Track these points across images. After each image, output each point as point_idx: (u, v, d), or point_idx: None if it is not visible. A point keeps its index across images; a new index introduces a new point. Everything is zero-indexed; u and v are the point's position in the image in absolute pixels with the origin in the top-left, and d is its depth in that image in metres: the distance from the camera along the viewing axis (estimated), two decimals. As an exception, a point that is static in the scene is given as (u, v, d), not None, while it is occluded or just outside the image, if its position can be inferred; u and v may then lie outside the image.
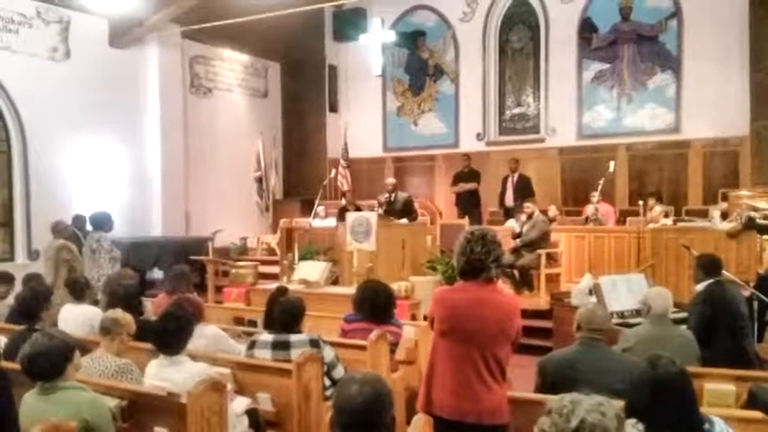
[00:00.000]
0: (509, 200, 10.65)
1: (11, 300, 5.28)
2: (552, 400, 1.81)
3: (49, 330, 3.17)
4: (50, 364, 2.84)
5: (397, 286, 6.24)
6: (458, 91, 12.80)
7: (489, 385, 2.89)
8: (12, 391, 3.02)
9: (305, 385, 3.61)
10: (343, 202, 10.91)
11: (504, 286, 8.66)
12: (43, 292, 4.53)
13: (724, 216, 7.71)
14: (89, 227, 7.31)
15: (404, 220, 8.83)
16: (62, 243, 7.09)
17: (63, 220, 7.73)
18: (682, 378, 2.31)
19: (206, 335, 4.15)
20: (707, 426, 2.29)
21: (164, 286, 5.37)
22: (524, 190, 10.37)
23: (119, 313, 3.82)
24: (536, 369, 3.41)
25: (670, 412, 2.23)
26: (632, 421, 2.22)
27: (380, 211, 8.93)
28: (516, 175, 10.78)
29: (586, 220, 9.55)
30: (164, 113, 11.02)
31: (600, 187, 9.30)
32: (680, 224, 8.25)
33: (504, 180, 10.93)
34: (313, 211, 10.12)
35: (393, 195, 9.35)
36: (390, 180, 9.95)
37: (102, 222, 6.91)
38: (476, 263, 2.91)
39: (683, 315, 4.75)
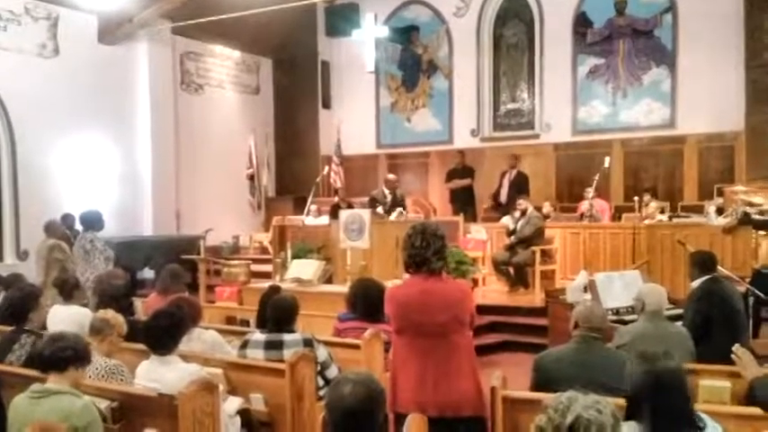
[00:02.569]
0: (503, 196, 10.57)
1: (-1, 300, 5.21)
2: (549, 397, 1.80)
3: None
4: (59, 357, 2.84)
5: (392, 284, 6.18)
6: (452, 87, 12.75)
7: (452, 375, 2.94)
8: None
9: (298, 385, 3.58)
10: (336, 199, 10.86)
11: (499, 284, 8.69)
12: (33, 292, 4.46)
13: (719, 212, 7.72)
14: (78, 226, 7.22)
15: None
16: (54, 242, 7.00)
17: (56, 219, 7.65)
18: (680, 373, 2.31)
19: (203, 340, 4.09)
20: (700, 423, 2.29)
21: (155, 286, 5.30)
22: (520, 187, 10.26)
23: (109, 314, 3.78)
24: (532, 366, 3.37)
25: (673, 409, 2.22)
26: (631, 423, 2.20)
27: (381, 209, 8.86)
28: (514, 172, 10.67)
29: (581, 216, 9.53)
30: (154, 110, 10.94)
31: (595, 183, 9.29)
32: (675, 220, 8.24)
33: (502, 176, 10.83)
34: (306, 209, 10.06)
35: (395, 193, 9.31)
36: (392, 176, 9.89)
37: (93, 222, 6.81)
38: (416, 257, 3.02)
39: (679, 311, 4.74)
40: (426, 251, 2.99)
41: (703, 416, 2.33)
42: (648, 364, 2.32)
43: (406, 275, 3.18)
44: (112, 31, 10.52)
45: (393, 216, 8.70)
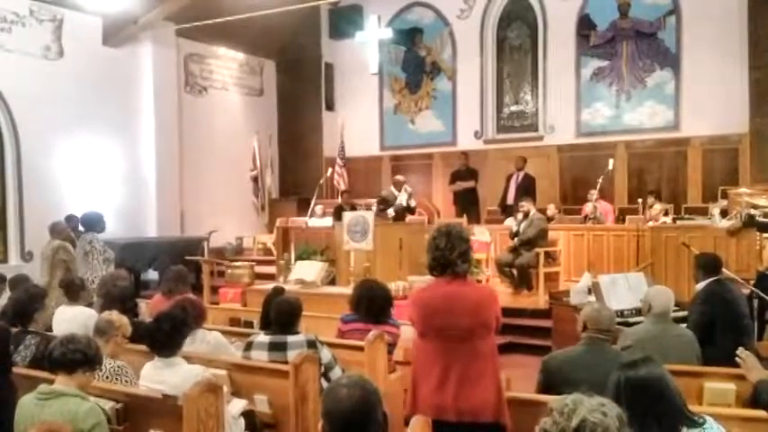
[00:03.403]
0: (510, 198, 10.52)
1: (2, 301, 5.23)
2: (554, 399, 1.80)
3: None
4: (69, 359, 2.84)
5: (395, 286, 6.20)
6: (455, 89, 12.75)
7: (473, 381, 2.89)
8: (14, 396, 3.00)
9: (302, 387, 3.58)
10: (339, 201, 10.86)
11: (502, 286, 8.67)
12: (38, 293, 4.47)
13: (724, 214, 7.70)
14: (81, 227, 7.23)
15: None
16: (59, 243, 7.00)
17: (61, 220, 7.67)
18: (656, 378, 2.28)
19: (207, 341, 4.10)
20: (700, 420, 2.29)
21: (160, 287, 5.30)
22: (527, 189, 10.20)
23: (114, 315, 3.79)
24: (539, 368, 3.38)
25: (650, 413, 2.21)
26: None
27: (391, 210, 8.89)
28: (521, 174, 10.62)
29: (585, 218, 9.52)
30: (158, 112, 10.97)
31: (599, 185, 9.27)
32: (679, 222, 8.22)
33: (509, 178, 10.80)
34: (309, 211, 10.07)
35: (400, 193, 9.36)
36: (401, 177, 9.91)
37: (94, 223, 6.81)
38: (441, 258, 2.97)
39: (683, 314, 4.73)
40: (451, 253, 2.94)
41: (708, 418, 2.32)
42: (622, 372, 2.32)
43: (430, 278, 3.15)
44: (117, 33, 10.56)
45: (401, 199, 8.77)
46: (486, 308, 2.98)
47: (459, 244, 2.96)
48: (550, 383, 3.25)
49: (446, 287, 2.96)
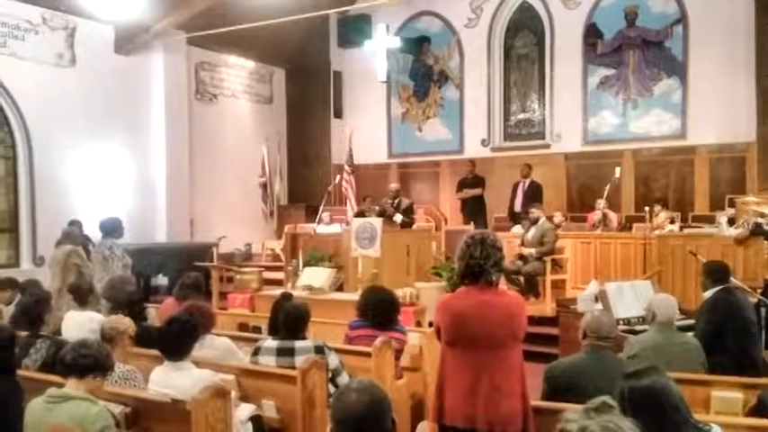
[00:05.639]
0: (518, 206, 10.51)
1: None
2: (567, 408, 1.77)
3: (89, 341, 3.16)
4: (81, 364, 2.87)
5: (402, 292, 6.22)
6: (462, 97, 12.80)
7: (504, 391, 2.86)
8: (22, 402, 3.03)
9: (309, 392, 3.59)
10: (353, 209, 10.84)
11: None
12: (44, 297, 4.52)
13: (731, 222, 7.67)
14: (86, 232, 7.26)
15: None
16: (71, 248, 7.04)
17: (74, 227, 7.73)
18: (657, 388, 2.28)
19: (216, 346, 4.12)
20: (705, 427, 2.29)
21: (174, 293, 5.31)
22: (534, 196, 10.19)
23: (118, 319, 3.83)
24: (543, 376, 3.38)
25: (653, 424, 2.18)
26: None
27: (398, 217, 8.90)
28: (528, 182, 10.63)
29: (593, 226, 9.51)
30: (169, 120, 11.07)
31: (606, 193, 9.26)
32: (686, 230, 8.20)
33: (515, 186, 10.81)
34: (318, 218, 10.11)
35: (397, 201, 9.33)
36: (394, 185, 9.93)
37: (113, 229, 6.84)
38: (475, 267, 2.91)
39: (690, 322, 4.72)
40: (486, 262, 2.90)
41: (714, 426, 2.33)
42: (626, 382, 2.32)
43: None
44: (129, 42, 10.67)
45: (397, 219, 8.78)
46: (519, 318, 2.96)
47: (493, 252, 2.91)
48: (555, 392, 3.26)
49: (479, 296, 2.92)
